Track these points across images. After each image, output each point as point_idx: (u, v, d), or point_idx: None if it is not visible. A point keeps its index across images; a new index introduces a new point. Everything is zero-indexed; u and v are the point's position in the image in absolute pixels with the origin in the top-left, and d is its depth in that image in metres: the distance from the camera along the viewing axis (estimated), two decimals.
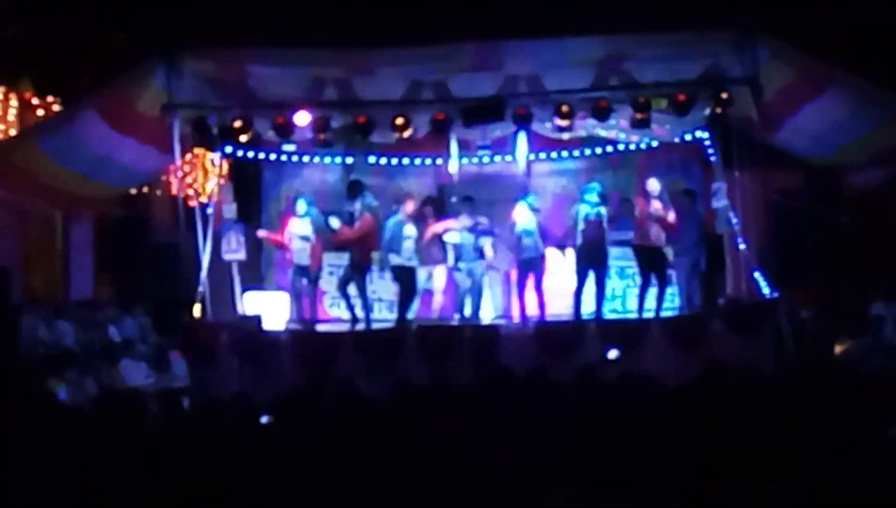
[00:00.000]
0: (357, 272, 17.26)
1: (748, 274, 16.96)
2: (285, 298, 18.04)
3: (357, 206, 17.24)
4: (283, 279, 18.69)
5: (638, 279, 17.46)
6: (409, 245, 16.96)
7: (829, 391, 10.43)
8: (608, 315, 17.41)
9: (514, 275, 17.82)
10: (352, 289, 17.34)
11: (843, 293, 19.33)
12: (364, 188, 17.62)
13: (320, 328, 17.55)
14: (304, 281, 17.52)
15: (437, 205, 18.79)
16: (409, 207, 17.26)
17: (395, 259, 16.98)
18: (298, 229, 17.48)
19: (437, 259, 18.01)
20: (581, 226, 16.74)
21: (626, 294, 18.68)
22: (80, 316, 18.45)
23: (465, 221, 17.44)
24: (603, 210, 16.82)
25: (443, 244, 17.86)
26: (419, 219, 17.60)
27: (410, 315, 17.23)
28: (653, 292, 16.89)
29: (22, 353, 15.15)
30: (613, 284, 18.36)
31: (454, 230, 17.51)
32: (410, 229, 17.04)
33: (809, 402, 9.67)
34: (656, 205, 16.82)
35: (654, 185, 17.06)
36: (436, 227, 17.75)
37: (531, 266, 17.07)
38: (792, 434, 8.25)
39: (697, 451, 7.52)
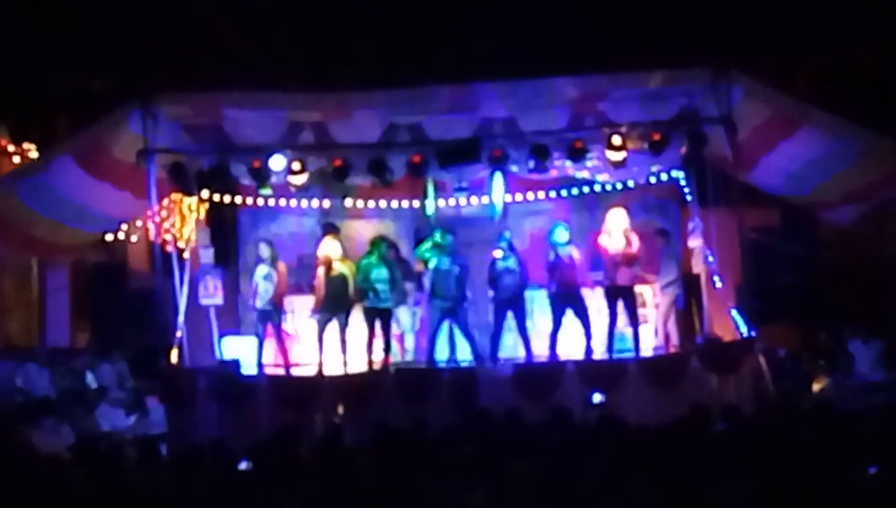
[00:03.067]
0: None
1: (725, 312, 16.98)
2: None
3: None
4: None
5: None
6: (381, 287, 16.90)
7: (809, 431, 10.44)
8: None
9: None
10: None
11: (820, 331, 19.39)
12: (337, 231, 17.59)
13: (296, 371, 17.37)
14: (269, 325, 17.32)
15: (396, 248, 18.54)
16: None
17: (367, 301, 16.91)
18: (261, 272, 17.29)
19: (413, 299, 18.01)
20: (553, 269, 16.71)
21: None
22: (57, 363, 18.37)
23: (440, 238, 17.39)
24: (573, 250, 16.79)
25: (419, 283, 17.85)
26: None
27: (393, 358, 17.19)
28: (629, 332, 16.86)
29: None
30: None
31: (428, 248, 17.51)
32: (382, 271, 17.00)
33: (790, 442, 9.66)
34: (618, 242, 16.76)
35: (611, 221, 17.00)
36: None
37: (510, 305, 17.00)
38: (773, 475, 8.25)
39: (678, 493, 7.50)
